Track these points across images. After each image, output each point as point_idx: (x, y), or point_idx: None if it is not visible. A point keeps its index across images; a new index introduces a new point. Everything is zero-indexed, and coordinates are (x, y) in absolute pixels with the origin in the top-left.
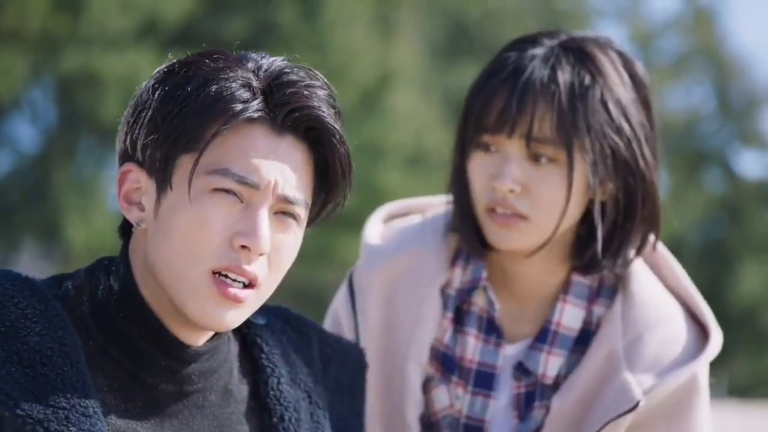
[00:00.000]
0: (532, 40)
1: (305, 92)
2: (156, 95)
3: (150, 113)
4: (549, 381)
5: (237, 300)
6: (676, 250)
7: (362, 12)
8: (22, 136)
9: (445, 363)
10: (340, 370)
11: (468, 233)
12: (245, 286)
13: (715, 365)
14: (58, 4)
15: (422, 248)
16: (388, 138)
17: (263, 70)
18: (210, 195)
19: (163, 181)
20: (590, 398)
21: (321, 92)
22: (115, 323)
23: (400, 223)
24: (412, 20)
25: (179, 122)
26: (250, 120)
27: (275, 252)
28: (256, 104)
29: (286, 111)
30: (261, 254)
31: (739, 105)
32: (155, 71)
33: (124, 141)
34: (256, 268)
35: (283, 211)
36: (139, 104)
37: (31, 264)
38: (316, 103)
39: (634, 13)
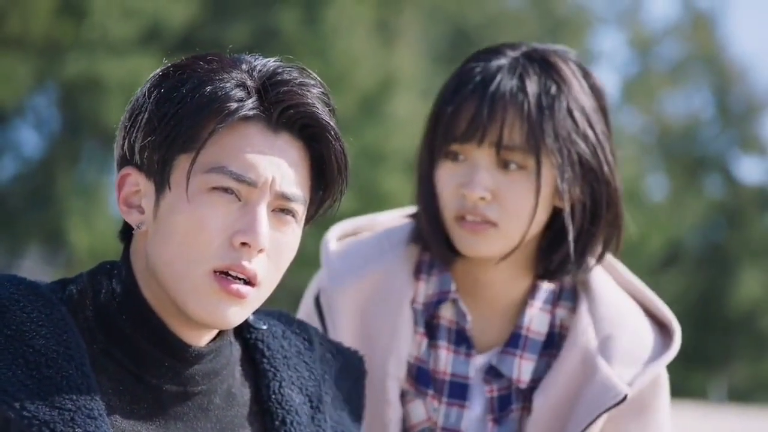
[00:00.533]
0: (495, 51)
1: (299, 90)
2: (152, 98)
3: (146, 116)
4: (524, 385)
5: (239, 295)
6: (675, 254)
7: (364, 18)
8: (26, 142)
9: (419, 377)
10: (341, 375)
11: (437, 242)
12: (245, 284)
13: (714, 370)
14: (62, 10)
15: (385, 265)
16: (389, 143)
17: (257, 70)
18: (208, 194)
19: (161, 182)
20: (571, 398)
21: (315, 90)
22: (118, 326)
23: (353, 240)
24: (413, 26)
25: (175, 123)
26: (246, 118)
27: (274, 249)
28: (250, 103)
29: (281, 108)
30: (260, 251)
31: (738, 110)
32: (150, 75)
33: (122, 146)
34: (257, 265)
35: (281, 208)
36: (135, 108)
37: (35, 269)
38: (310, 101)
39: (634, 19)
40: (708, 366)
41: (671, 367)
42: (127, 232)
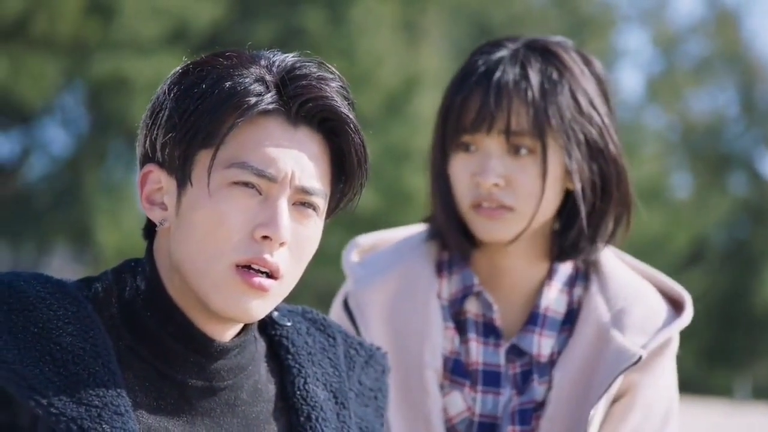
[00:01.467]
0: (497, 44)
1: (318, 84)
2: (172, 95)
3: (167, 113)
4: (544, 359)
5: (262, 288)
6: (700, 252)
7: (388, 17)
8: (54, 141)
9: (455, 370)
10: (364, 372)
11: (454, 232)
12: (268, 277)
13: (739, 367)
14: (90, 10)
15: (408, 264)
16: (413, 141)
17: (276, 65)
18: (229, 188)
19: (182, 178)
20: (589, 371)
21: (334, 84)
22: (143, 322)
23: (372, 252)
24: (438, 25)
25: (196, 119)
26: (265, 112)
27: (296, 243)
28: (269, 97)
29: (300, 102)
30: (282, 244)
31: (763, 108)
32: (171, 73)
33: (144, 143)
34: (278, 258)
35: (301, 202)
36: (156, 106)
37: (63, 267)
38: (329, 94)
39: (659, 17)
40: (732, 364)
41: (696, 365)
42: (150, 229)
